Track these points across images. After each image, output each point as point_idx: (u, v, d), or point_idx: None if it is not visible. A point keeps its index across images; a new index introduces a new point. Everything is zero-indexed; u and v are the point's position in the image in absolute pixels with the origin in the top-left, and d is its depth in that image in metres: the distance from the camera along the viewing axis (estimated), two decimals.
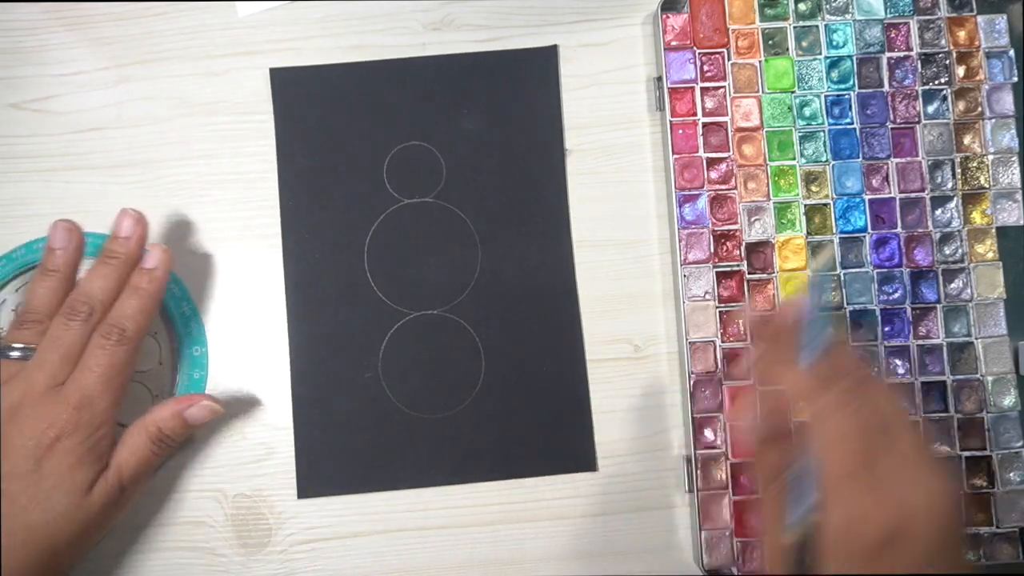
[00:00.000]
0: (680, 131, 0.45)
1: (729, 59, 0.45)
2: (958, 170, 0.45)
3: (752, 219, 0.44)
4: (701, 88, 0.45)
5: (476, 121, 0.46)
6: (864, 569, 0.30)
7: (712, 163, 0.45)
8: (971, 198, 0.45)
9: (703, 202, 0.44)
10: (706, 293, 0.44)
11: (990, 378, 0.44)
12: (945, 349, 0.44)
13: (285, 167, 0.45)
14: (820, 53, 0.45)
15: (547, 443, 0.44)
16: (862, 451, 0.31)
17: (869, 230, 0.45)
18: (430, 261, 0.45)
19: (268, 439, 0.44)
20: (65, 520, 0.36)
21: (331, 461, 0.44)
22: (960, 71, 0.45)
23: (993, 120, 0.45)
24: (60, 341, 0.37)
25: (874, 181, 0.45)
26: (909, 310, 0.44)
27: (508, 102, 0.46)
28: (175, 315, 0.44)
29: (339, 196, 0.45)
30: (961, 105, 0.45)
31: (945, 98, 0.45)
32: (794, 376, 0.34)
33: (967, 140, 0.45)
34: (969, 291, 0.44)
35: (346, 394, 0.44)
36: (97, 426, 0.36)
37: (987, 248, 0.45)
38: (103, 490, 0.37)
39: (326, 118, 0.45)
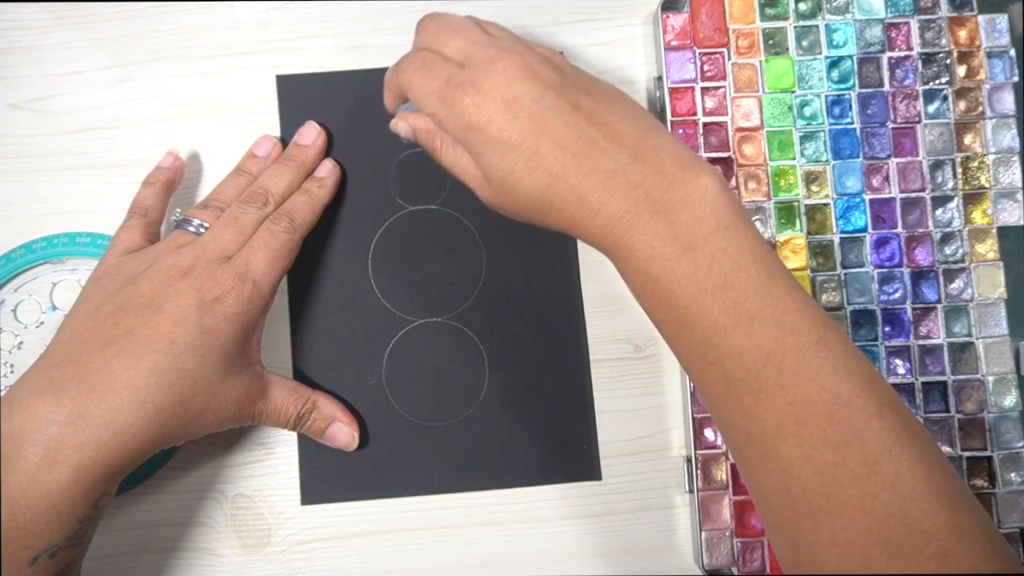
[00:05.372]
0: (680, 131, 0.45)
1: (729, 59, 0.45)
2: (959, 170, 0.45)
3: (752, 219, 0.44)
4: (701, 88, 0.45)
5: None
6: None
7: (712, 163, 0.44)
8: (972, 198, 0.45)
9: None
10: None
11: (991, 378, 0.44)
12: (946, 349, 0.44)
13: None
14: (820, 53, 0.45)
15: (552, 452, 0.44)
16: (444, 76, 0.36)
17: (869, 230, 0.44)
18: (435, 268, 0.45)
19: (268, 440, 0.44)
20: (207, 381, 0.37)
21: (335, 468, 0.43)
22: (961, 71, 0.45)
23: (994, 120, 0.45)
24: (235, 221, 0.40)
25: (874, 181, 0.45)
26: (910, 310, 0.44)
27: None
28: None
29: (344, 203, 0.45)
30: (962, 105, 0.45)
31: (946, 98, 0.45)
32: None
33: (968, 140, 0.45)
34: (970, 291, 0.44)
35: (350, 401, 0.44)
36: (255, 304, 0.38)
37: (988, 248, 0.44)
38: (245, 384, 0.38)
39: (331, 125, 0.45)
